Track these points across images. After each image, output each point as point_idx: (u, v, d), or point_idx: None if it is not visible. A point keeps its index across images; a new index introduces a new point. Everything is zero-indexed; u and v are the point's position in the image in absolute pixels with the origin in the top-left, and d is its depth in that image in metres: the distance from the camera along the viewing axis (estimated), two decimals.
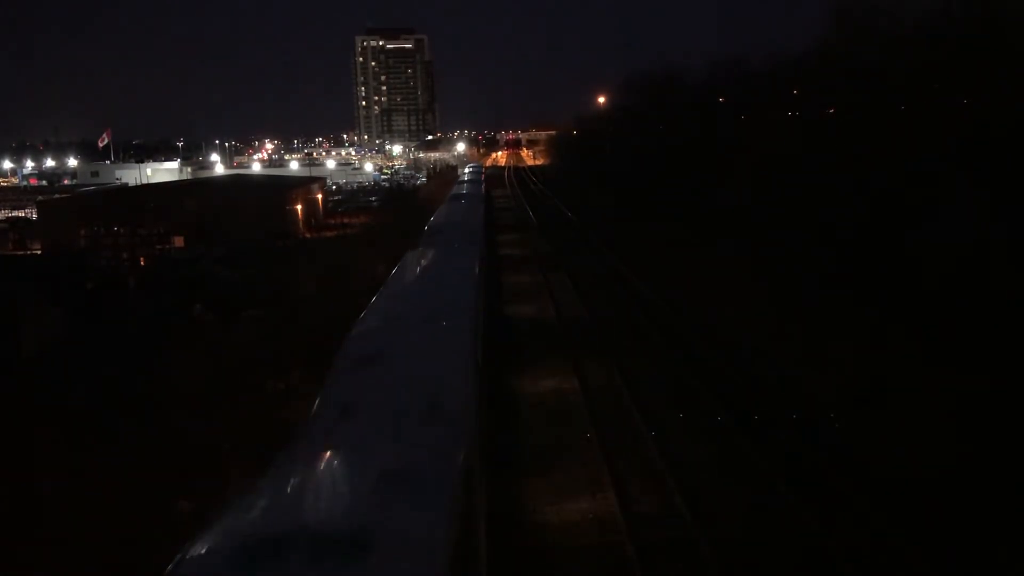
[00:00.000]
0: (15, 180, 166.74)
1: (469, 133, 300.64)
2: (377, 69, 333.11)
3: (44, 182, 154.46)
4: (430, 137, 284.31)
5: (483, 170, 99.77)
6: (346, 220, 79.37)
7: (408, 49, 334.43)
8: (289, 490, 6.67)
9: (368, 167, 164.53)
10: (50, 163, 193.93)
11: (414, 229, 36.11)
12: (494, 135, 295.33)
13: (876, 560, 11.79)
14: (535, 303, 30.67)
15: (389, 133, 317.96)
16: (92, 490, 15.23)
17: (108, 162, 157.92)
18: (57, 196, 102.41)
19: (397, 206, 68.04)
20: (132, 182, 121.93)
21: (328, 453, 7.49)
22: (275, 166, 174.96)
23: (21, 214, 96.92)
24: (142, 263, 61.66)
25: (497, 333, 23.21)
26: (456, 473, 7.36)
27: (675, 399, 19.03)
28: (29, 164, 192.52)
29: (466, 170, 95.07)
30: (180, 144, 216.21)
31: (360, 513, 6.07)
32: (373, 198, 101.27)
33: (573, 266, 37.03)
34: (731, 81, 51.46)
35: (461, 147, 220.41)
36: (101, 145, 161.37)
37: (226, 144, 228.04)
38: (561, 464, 15.77)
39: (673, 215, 42.34)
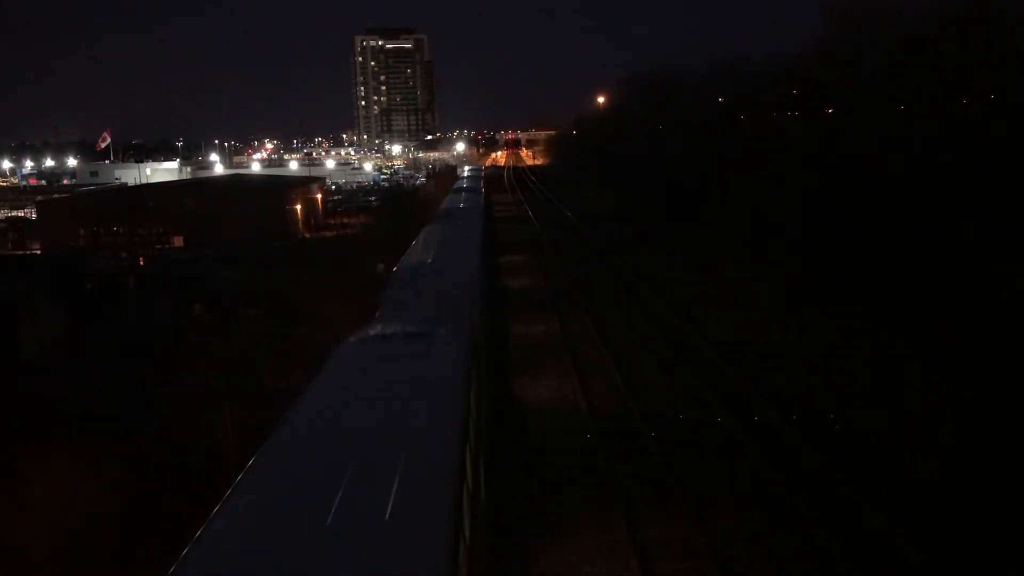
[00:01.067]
0: (14, 180, 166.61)
1: (468, 133, 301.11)
2: (376, 69, 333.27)
3: (43, 182, 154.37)
4: (429, 137, 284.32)
5: (482, 174, 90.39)
6: (345, 220, 79.30)
7: (407, 49, 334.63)
8: None
9: (367, 167, 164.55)
10: (49, 163, 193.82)
11: (412, 226, 36.12)
12: (493, 135, 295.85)
13: None
14: (555, 378, 21.48)
15: (388, 133, 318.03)
16: (91, 491, 15.21)
17: (107, 162, 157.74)
18: (56, 196, 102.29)
19: (396, 206, 67.91)
20: (131, 182, 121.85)
21: None
22: (274, 166, 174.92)
23: (20, 214, 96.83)
24: (141, 263, 61.57)
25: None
26: None
27: None
28: (28, 164, 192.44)
29: (465, 172, 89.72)
30: (179, 144, 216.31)
31: None
32: (372, 198, 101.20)
33: (595, 304, 29.51)
34: (730, 81, 51.44)
35: (460, 147, 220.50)
36: (102, 145, 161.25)
37: (225, 144, 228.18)
38: None
39: (681, 219, 40.77)
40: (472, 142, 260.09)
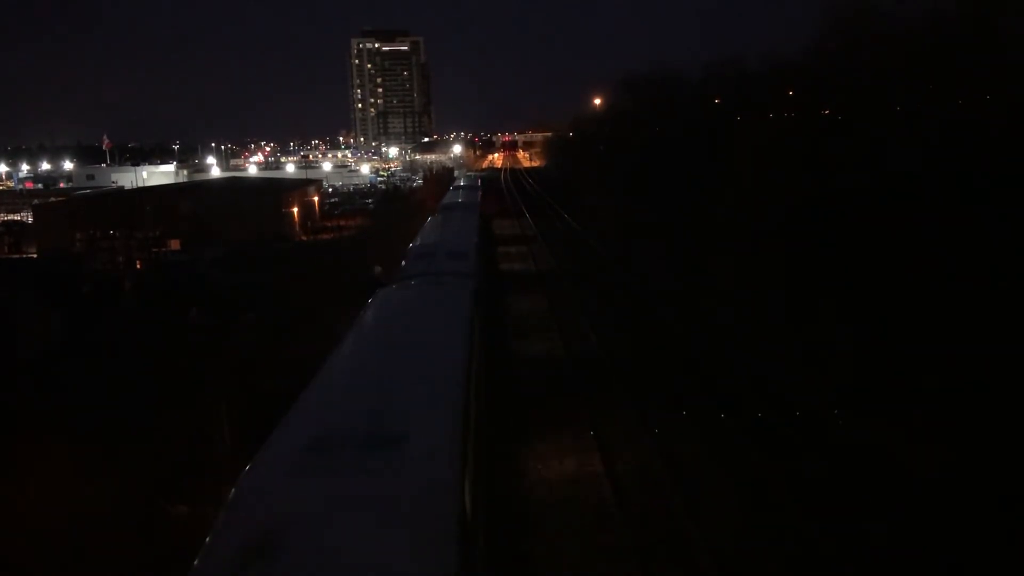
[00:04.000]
0: (10, 184, 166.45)
1: (465, 135, 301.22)
2: (373, 71, 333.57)
3: (40, 185, 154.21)
4: (426, 139, 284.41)
5: (479, 187, 62.37)
6: (342, 222, 79.35)
7: (404, 51, 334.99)
8: None
9: (364, 169, 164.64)
10: (46, 166, 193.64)
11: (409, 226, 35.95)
12: (490, 137, 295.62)
13: None
14: None
15: (385, 135, 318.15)
16: (89, 494, 15.18)
17: (104, 165, 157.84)
18: (53, 199, 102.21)
19: (392, 207, 67.77)
20: (128, 185, 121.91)
21: None
22: (271, 168, 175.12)
23: (17, 217, 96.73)
24: (138, 266, 61.49)
25: None
26: None
27: None
28: (24, 167, 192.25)
29: (460, 187, 60.36)
30: (176, 147, 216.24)
31: None
32: (369, 200, 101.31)
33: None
34: (727, 82, 51.42)
35: (457, 149, 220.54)
36: (108, 146, 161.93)
37: (222, 147, 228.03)
38: None
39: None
40: (469, 144, 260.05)
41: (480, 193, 54.22)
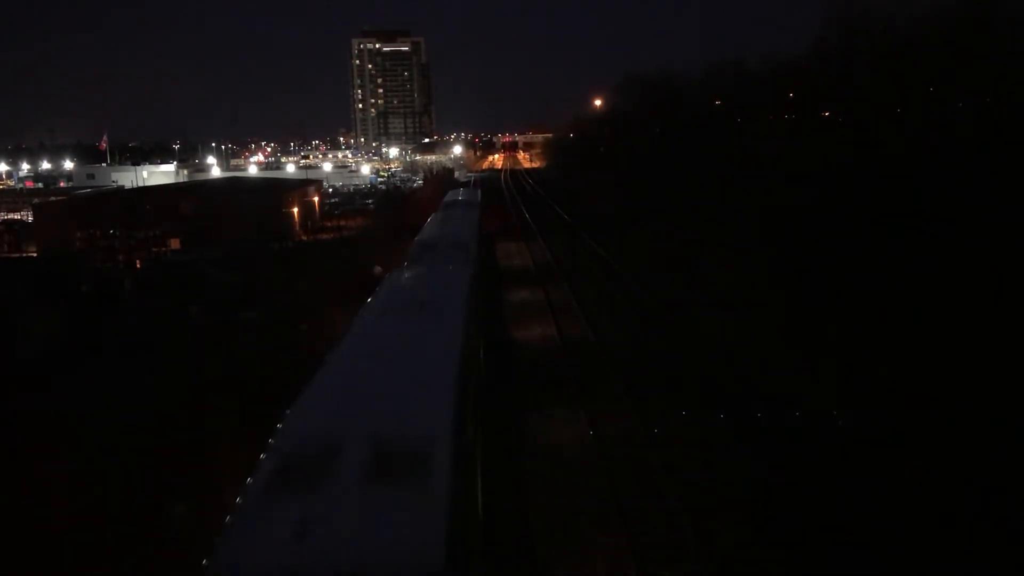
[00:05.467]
0: (11, 183, 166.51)
1: (466, 136, 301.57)
2: (373, 72, 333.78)
3: (40, 184, 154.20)
4: (427, 140, 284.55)
5: (478, 201, 43.98)
6: (342, 223, 79.40)
7: (404, 52, 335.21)
8: None
9: (365, 170, 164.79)
10: (46, 165, 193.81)
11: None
12: (491, 138, 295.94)
13: None
14: None
15: (386, 136, 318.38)
16: (88, 494, 15.18)
17: (104, 164, 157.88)
18: (53, 199, 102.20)
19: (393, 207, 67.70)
20: (128, 184, 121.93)
21: None
22: (271, 169, 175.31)
23: (17, 216, 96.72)
24: (138, 266, 61.54)
25: None
26: None
27: None
28: (25, 166, 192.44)
29: (454, 204, 41.03)
30: (176, 146, 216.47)
31: None
32: (369, 200, 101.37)
33: None
34: (727, 84, 51.47)
35: (458, 150, 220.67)
36: (103, 147, 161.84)
37: (222, 147, 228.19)
38: None
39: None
40: (469, 145, 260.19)
41: (479, 215, 38.14)
